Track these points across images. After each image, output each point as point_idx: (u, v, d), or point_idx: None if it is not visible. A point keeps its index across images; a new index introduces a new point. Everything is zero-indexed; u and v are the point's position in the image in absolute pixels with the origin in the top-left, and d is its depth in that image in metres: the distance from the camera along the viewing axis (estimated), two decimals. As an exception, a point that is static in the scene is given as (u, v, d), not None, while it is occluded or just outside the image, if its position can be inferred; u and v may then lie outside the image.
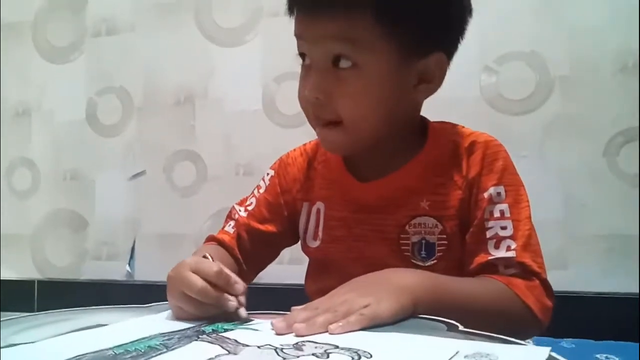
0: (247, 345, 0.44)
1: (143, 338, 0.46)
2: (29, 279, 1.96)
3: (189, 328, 0.50)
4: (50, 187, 1.95)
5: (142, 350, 0.43)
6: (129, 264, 1.85)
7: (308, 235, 0.73)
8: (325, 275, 0.73)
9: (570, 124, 1.50)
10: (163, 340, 0.46)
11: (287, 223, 0.75)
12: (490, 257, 0.62)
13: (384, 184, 0.67)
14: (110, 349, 0.43)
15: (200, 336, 0.47)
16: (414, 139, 0.68)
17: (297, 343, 0.45)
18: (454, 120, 1.36)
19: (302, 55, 0.65)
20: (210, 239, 0.76)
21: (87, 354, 0.42)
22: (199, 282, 0.52)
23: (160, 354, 0.42)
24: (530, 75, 1.53)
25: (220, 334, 0.48)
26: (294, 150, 0.79)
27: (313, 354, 0.42)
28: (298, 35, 0.65)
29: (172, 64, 1.83)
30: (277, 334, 0.47)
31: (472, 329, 0.49)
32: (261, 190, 0.77)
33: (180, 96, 1.81)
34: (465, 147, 0.67)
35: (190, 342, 0.46)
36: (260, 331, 0.49)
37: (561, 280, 1.46)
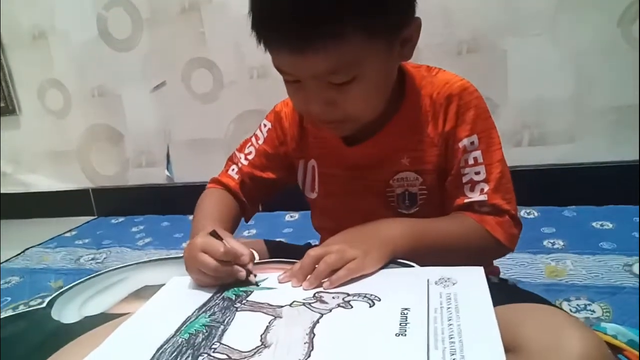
0: (280, 306, 0.56)
1: (189, 319, 0.55)
2: (84, 188, 2.19)
3: (212, 297, 0.60)
4: (82, 104, 2.07)
5: (205, 330, 0.52)
6: (167, 169, 2.02)
7: (306, 188, 0.82)
8: (326, 219, 0.84)
9: (585, -5, 1.44)
10: (210, 317, 0.55)
11: (286, 171, 0.83)
12: (466, 200, 0.70)
13: (369, 145, 0.73)
14: (174, 336, 0.52)
15: (235, 305, 0.57)
16: (393, 94, 0.70)
17: (314, 295, 0.57)
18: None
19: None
20: (215, 181, 0.85)
21: (163, 346, 0.50)
22: (211, 262, 0.60)
23: (224, 330, 0.52)
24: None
25: (250, 300, 0.58)
26: (286, 104, 0.82)
27: (339, 305, 0.54)
28: (283, 71, 0.63)
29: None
30: (293, 286, 0.60)
31: (448, 262, 0.60)
32: (260, 142, 0.83)
33: (184, 3, 1.80)
34: (440, 103, 0.70)
35: (234, 313, 0.55)
36: (275, 289, 0.61)
37: (568, 153, 1.55)
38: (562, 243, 1.26)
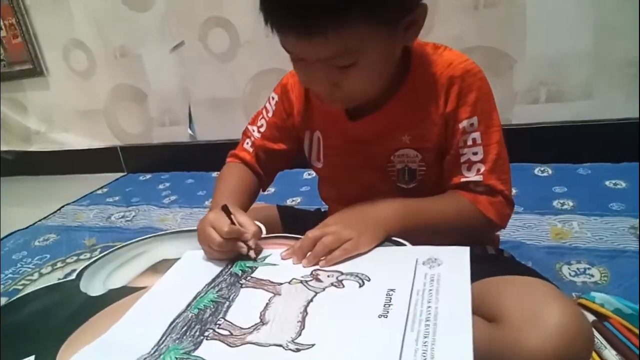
0: (280, 283, 0.62)
1: (199, 294, 0.61)
2: (112, 146, 2.28)
3: (222, 272, 0.67)
4: (106, 65, 2.12)
5: (212, 306, 0.58)
6: (190, 128, 2.08)
7: (312, 158, 0.86)
8: (331, 188, 0.89)
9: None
10: (217, 293, 0.61)
11: (296, 142, 0.87)
12: (462, 179, 0.72)
13: (371, 121, 0.75)
14: (185, 311, 0.58)
15: (240, 282, 0.63)
16: (397, 71, 0.71)
17: (312, 273, 0.63)
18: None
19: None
20: (233, 155, 0.90)
21: (175, 320, 0.57)
22: (217, 238, 0.66)
23: (229, 307, 0.58)
24: None
25: (254, 277, 0.65)
26: (293, 75, 0.84)
27: (332, 284, 0.60)
28: (289, 51, 0.64)
29: None
30: (294, 263, 0.65)
31: (441, 240, 0.65)
32: (269, 114, 0.87)
33: (198, -39, 1.79)
34: (442, 84, 0.71)
35: (239, 289, 0.61)
36: (278, 265, 0.67)
37: (586, 110, 1.53)
38: (571, 203, 1.28)
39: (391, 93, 0.73)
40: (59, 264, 1.39)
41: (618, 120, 1.49)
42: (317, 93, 0.73)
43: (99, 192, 2.05)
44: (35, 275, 1.34)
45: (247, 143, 0.89)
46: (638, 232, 1.07)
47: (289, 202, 1.59)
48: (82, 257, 1.41)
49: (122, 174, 2.28)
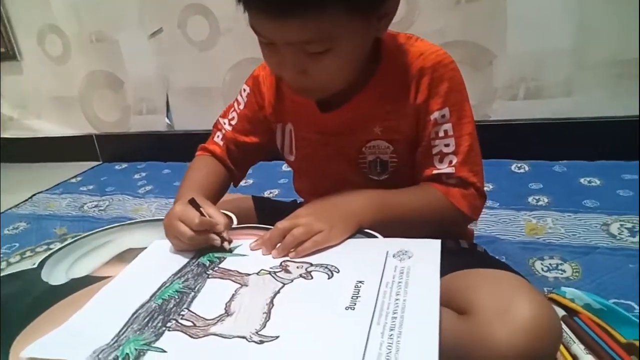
0: (248, 274, 0.60)
1: (164, 285, 0.60)
2: (88, 134, 2.23)
3: (189, 263, 0.65)
4: (81, 50, 2.07)
5: (177, 297, 0.57)
6: (167, 117, 2.04)
7: (285, 151, 0.85)
8: (304, 180, 0.88)
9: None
10: (183, 283, 0.60)
11: (268, 134, 0.85)
12: (434, 171, 0.72)
13: (342, 113, 0.74)
14: (149, 301, 0.57)
15: (207, 272, 0.61)
16: (368, 62, 0.71)
17: (281, 264, 0.61)
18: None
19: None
20: (202, 148, 0.88)
21: (138, 311, 0.55)
22: (187, 231, 0.64)
23: (194, 297, 0.56)
24: None
25: (221, 267, 0.63)
26: (264, 67, 0.82)
27: (301, 275, 0.58)
28: (258, 33, 0.62)
29: None
30: (263, 254, 0.64)
31: (413, 232, 0.64)
32: (241, 107, 0.85)
33: (177, -54, 1.75)
34: (413, 75, 0.70)
35: (205, 280, 0.60)
36: (247, 256, 0.66)
37: (565, 107, 1.53)
38: (546, 200, 1.29)
39: (362, 84, 0.72)
40: (28, 253, 1.35)
41: (596, 118, 1.50)
42: (285, 80, 0.71)
43: (73, 180, 2.01)
44: (3, 264, 1.30)
45: (218, 136, 0.87)
46: (638, 231, 1.08)
47: (266, 194, 1.58)
48: (52, 246, 1.37)
49: (97, 162, 2.24)
